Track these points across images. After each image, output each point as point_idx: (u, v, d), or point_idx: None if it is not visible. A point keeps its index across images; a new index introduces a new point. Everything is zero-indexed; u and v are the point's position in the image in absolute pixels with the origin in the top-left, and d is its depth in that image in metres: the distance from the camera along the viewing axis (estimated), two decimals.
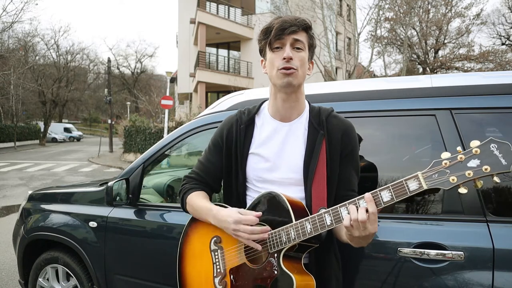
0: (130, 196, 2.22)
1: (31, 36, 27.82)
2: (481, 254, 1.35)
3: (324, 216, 1.15)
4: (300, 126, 1.35)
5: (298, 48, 1.26)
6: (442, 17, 19.50)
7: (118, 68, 46.49)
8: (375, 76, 21.55)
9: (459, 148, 1.00)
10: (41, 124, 33.63)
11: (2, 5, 36.19)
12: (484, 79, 1.60)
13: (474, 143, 0.97)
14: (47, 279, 2.66)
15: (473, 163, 0.96)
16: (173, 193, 2.77)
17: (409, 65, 20.47)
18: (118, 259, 2.25)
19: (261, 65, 1.39)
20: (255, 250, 1.27)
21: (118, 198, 2.22)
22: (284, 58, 1.23)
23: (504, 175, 1.42)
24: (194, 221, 1.50)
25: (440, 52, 21.52)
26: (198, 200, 1.41)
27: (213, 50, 23.57)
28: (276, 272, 1.22)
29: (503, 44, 22.53)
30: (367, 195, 1.08)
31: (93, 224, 2.32)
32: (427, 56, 20.94)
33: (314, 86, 1.94)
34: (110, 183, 2.18)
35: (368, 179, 1.69)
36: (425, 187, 1.00)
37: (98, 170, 14.37)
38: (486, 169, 0.94)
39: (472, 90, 1.56)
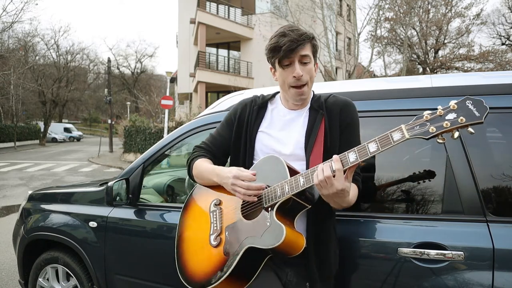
0: (130, 196, 2.22)
1: (31, 36, 27.85)
2: (481, 254, 1.35)
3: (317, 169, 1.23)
4: (304, 110, 1.49)
5: (305, 63, 1.37)
6: (442, 17, 19.50)
7: (118, 68, 46.47)
8: (375, 76, 21.55)
9: (439, 106, 1.10)
10: (41, 124, 33.62)
11: (2, 5, 36.19)
12: (484, 79, 1.60)
13: (453, 101, 1.08)
14: (47, 279, 2.66)
15: (451, 116, 1.07)
16: (173, 193, 2.78)
17: (409, 65, 20.48)
18: (118, 259, 2.25)
19: (270, 72, 1.50)
20: (251, 207, 1.38)
21: (118, 198, 2.22)
22: (295, 77, 1.36)
23: (504, 174, 1.43)
24: (196, 189, 1.62)
25: (440, 52, 21.54)
26: (203, 164, 1.53)
27: (213, 50, 23.58)
28: (268, 223, 1.28)
29: (503, 44, 22.54)
30: (335, 156, 1.20)
31: (93, 224, 2.32)
32: (427, 56, 20.95)
33: (314, 86, 1.94)
34: (110, 183, 2.18)
35: (369, 178, 1.69)
36: (407, 136, 1.10)
37: (98, 170, 14.37)
38: (461, 120, 1.05)
39: (472, 90, 1.56)
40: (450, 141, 1.49)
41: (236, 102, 1.64)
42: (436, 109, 1.09)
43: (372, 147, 1.13)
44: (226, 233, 1.40)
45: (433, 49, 21.33)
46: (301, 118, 1.47)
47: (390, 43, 21.38)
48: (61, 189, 2.92)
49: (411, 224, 1.54)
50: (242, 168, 1.38)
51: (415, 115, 1.60)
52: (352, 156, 1.17)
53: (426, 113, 1.10)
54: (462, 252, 1.37)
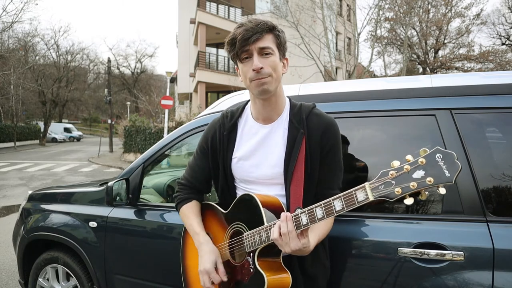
0: (130, 196, 2.22)
1: (31, 36, 27.83)
2: (481, 254, 1.35)
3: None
4: (281, 126, 1.37)
5: (267, 54, 1.25)
6: (442, 17, 19.54)
7: (118, 68, 46.37)
8: (375, 76, 21.55)
9: (408, 157, 0.99)
10: (41, 124, 33.62)
11: (2, 5, 36.21)
12: (484, 79, 1.60)
13: (423, 152, 0.97)
14: (47, 279, 2.66)
15: (418, 174, 0.95)
16: (173, 193, 2.77)
17: (409, 65, 20.50)
18: (118, 259, 2.25)
19: (236, 72, 1.39)
20: (238, 249, 1.35)
21: (118, 198, 2.22)
22: (254, 70, 1.24)
23: (504, 174, 1.43)
24: None
25: (440, 52, 21.57)
26: (190, 217, 1.49)
27: (213, 50, 23.57)
28: (252, 270, 1.27)
29: (503, 44, 22.54)
30: (284, 215, 1.14)
31: (93, 224, 2.32)
32: (427, 56, 20.97)
33: (314, 86, 1.94)
34: (110, 183, 2.18)
35: (369, 178, 1.69)
36: (371, 198, 1.01)
37: (98, 170, 14.36)
38: (430, 181, 0.94)
39: (472, 90, 1.56)
40: (450, 141, 1.49)
41: (207, 127, 1.54)
42: (405, 162, 0.99)
43: (338, 206, 1.08)
44: None
45: (433, 49, 21.36)
46: (277, 135, 1.36)
47: (390, 43, 21.40)
48: (61, 189, 2.92)
49: (411, 224, 1.53)
50: (219, 262, 1.34)
51: (415, 115, 1.62)
52: (319, 212, 1.10)
53: (392, 168, 1.00)
54: (462, 252, 1.37)
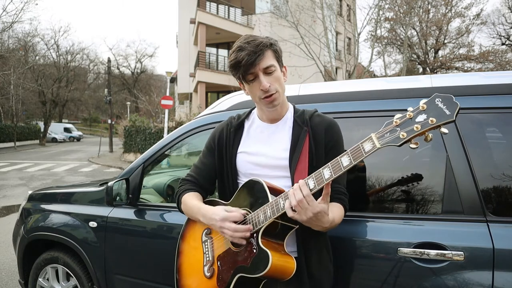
0: (130, 196, 2.22)
1: (31, 36, 27.84)
2: (481, 254, 1.35)
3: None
4: (286, 125, 1.45)
5: (271, 72, 1.33)
6: (442, 17, 19.55)
7: (118, 68, 46.31)
8: (375, 76, 21.55)
9: (409, 108, 1.04)
10: (41, 124, 33.63)
11: (2, 5, 36.23)
12: (484, 79, 1.60)
13: (422, 101, 1.02)
14: (47, 279, 2.66)
15: (421, 117, 1.01)
16: (173, 193, 2.77)
17: (409, 65, 20.51)
18: (118, 259, 2.25)
19: (239, 86, 1.46)
20: None
21: (118, 198, 2.22)
22: (262, 90, 1.32)
23: (504, 174, 1.43)
24: (190, 219, 1.58)
25: (440, 52, 21.59)
26: (190, 200, 1.49)
27: (213, 50, 23.58)
28: (255, 251, 1.26)
29: (503, 44, 22.55)
30: (301, 181, 1.16)
31: (93, 224, 2.32)
32: (427, 56, 20.98)
33: (314, 86, 1.94)
34: (110, 183, 2.18)
35: (369, 178, 1.69)
36: (378, 145, 1.04)
37: (98, 170, 14.36)
38: (432, 121, 0.98)
39: (472, 90, 1.56)
40: (450, 141, 1.49)
41: (215, 127, 1.60)
42: (406, 111, 1.04)
43: (345, 161, 1.08)
44: (218, 263, 1.39)
45: (433, 49, 21.38)
46: (282, 132, 1.43)
47: (390, 43, 21.42)
48: (61, 189, 2.92)
49: (411, 224, 1.53)
50: (230, 208, 1.33)
51: None
52: (326, 173, 1.11)
53: (396, 117, 1.04)
54: (462, 252, 1.37)
